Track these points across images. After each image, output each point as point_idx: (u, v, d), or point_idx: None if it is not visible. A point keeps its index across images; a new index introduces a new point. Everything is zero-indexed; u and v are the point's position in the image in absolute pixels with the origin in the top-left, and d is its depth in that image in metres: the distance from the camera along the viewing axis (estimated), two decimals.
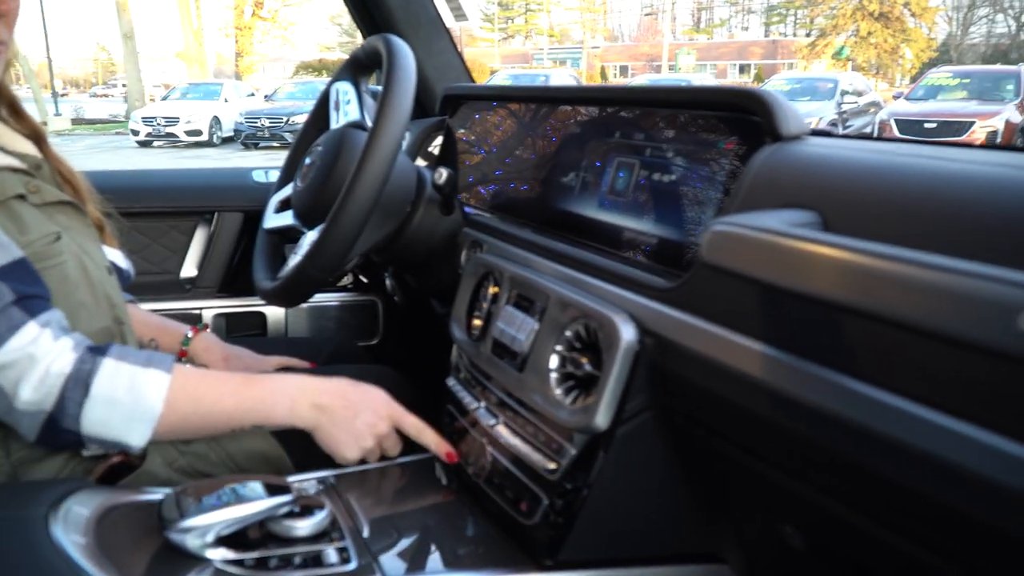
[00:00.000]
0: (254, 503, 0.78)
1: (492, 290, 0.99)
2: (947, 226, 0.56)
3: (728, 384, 0.67)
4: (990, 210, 0.54)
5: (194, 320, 1.54)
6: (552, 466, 0.81)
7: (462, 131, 1.38)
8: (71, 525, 0.73)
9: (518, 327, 0.89)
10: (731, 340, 0.67)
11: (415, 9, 1.51)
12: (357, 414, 0.94)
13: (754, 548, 0.79)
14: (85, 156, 13.01)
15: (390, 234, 1.19)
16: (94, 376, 0.83)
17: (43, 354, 0.81)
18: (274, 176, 1.45)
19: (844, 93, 13.02)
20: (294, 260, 1.11)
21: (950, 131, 9.53)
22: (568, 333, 0.83)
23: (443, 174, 1.13)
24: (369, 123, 1.01)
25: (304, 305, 1.69)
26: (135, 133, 14.98)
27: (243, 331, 1.64)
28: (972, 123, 9.64)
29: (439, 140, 1.46)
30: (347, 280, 1.75)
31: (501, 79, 17.14)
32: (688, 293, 0.73)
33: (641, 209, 0.89)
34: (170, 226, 1.62)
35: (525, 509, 0.84)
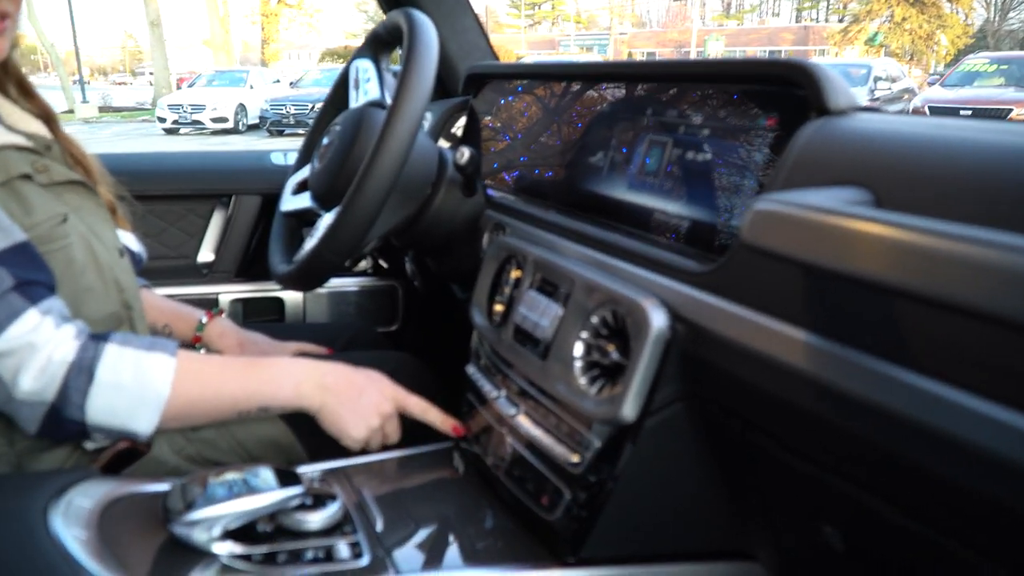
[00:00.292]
0: (263, 495, 0.74)
1: (515, 274, 0.95)
2: (1012, 202, 0.50)
3: (767, 374, 0.62)
4: None
5: (211, 305, 1.51)
6: (575, 459, 0.76)
7: (486, 112, 1.33)
8: (72, 518, 0.70)
9: (541, 312, 0.84)
10: (771, 327, 0.62)
11: None
12: (362, 394, 0.93)
13: (789, 547, 0.74)
14: (112, 143, 13.14)
15: (410, 216, 1.16)
16: (98, 363, 0.80)
17: (44, 342, 0.78)
18: (293, 158, 1.41)
19: (877, 79, 12.79)
20: (310, 243, 1.07)
21: (986, 119, 9.29)
22: (594, 319, 0.78)
23: (465, 154, 1.08)
24: (389, 102, 0.97)
25: (322, 290, 1.65)
26: (161, 120, 15.10)
27: (260, 317, 1.61)
28: (1009, 110, 9.40)
29: (462, 121, 1.41)
30: (366, 265, 1.71)
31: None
32: (725, 277, 0.68)
33: (673, 190, 0.84)
34: (187, 210, 1.59)
35: (546, 503, 0.79)
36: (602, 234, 0.87)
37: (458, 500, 0.89)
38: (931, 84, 12.24)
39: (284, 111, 14.21)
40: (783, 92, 0.75)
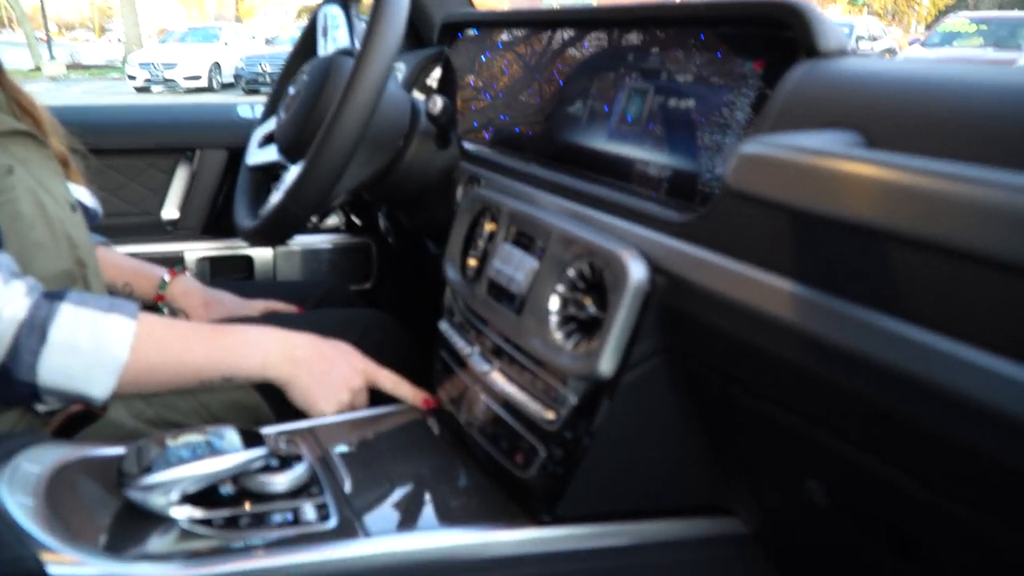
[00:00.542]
0: (224, 457, 0.71)
1: (489, 227, 0.91)
2: (1009, 141, 0.47)
3: (751, 326, 0.59)
4: None
5: (176, 264, 1.46)
6: (551, 415, 0.73)
7: (462, 69, 1.28)
8: (18, 484, 0.66)
9: (516, 266, 0.81)
10: (756, 278, 0.59)
11: None
12: (332, 367, 0.89)
13: (769, 502, 0.72)
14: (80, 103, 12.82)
15: (381, 169, 1.11)
16: (51, 322, 0.76)
17: None
18: (260, 111, 1.36)
19: (859, 39, 12.74)
20: (275, 197, 1.03)
21: None
22: (571, 272, 0.75)
23: (438, 103, 1.04)
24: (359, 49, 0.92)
25: (293, 248, 1.61)
26: (132, 78, 14.78)
27: (228, 275, 1.57)
28: None
29: (437, 73, 1.37)
30: (338, 221, 1.66)
31: None
32: (707, 226, 0.64)
33: (654, 139, 0.80)
34: (148, 164, 1.53)
35: (521, 461, 0.77)
36: (580, 185, 0.84)
37: (430, 459, 0.86)
38: (911, 44, 12.20)
39: (260, 69, 13.92)
40: (771, 34, 0.71)
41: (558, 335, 0.74)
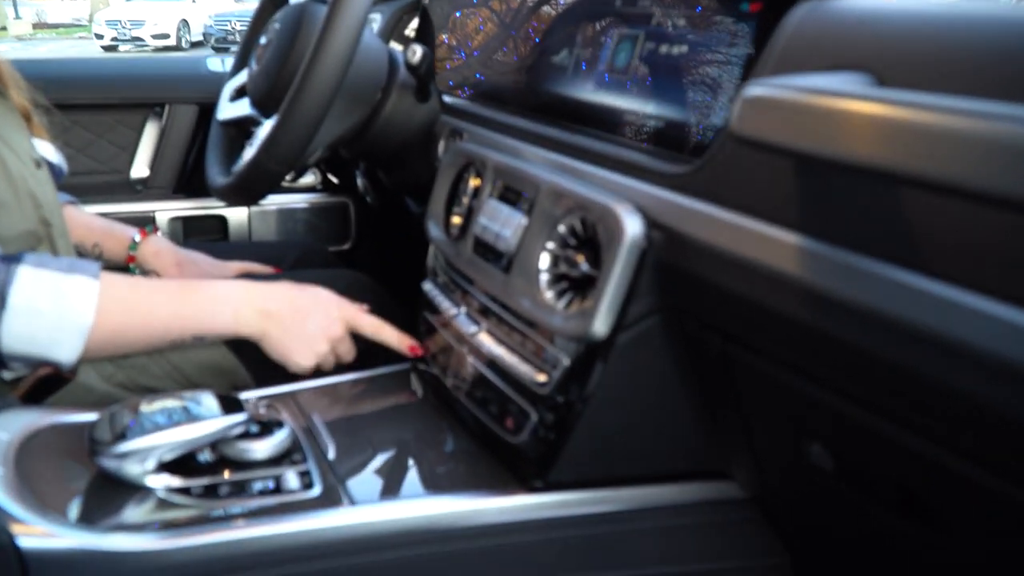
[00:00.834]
0: (201, 423, 0.68)
1: (473, 182, 0.87)
2: None
3: (753, 282, 0.56)
4: None
5: (147, 224, 1.42)
6: (542, 378, 0.71)
7: (440, 11, 1.23)
8: None
9: (503, 223, 0.77)
10: (757, 230, 0.56)
11: None
12: (308, 317, 0.85)
13: (770, 466, 0.70)
14: None
15: (359, 124, 1.07)
16: (10, 286, 0.72)
17: None
18: (230, 64, 1.30)
19: None
20: (249, 153, 0.99)
21: None
22: (561, 228, 0.71)
23: (417, 52, 0.99)
24: None
25: (269, 207, 1.56)
26: (99, 37, 14.43)
27: (202, 236, 1.52)
28: None
29: (414, 23, 1.32)
30: (315, 180, 1.62)
31: None
32: (706, 178, 0.61)
33: (646, 88, 0.77)
34: (116, 120, 1.47)
35: (511, 426, 0.74)
36: (569, 137, 0.80)
37: (416, 424, 0.83)
38: None
39: (229, 27, 13.60)
40: None
41: (549, 294, 0.71)
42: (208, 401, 0.70)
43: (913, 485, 0.55)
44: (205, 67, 1.53)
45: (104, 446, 0.65)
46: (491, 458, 0.77)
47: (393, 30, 1.30)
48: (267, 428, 0.73)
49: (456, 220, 0.89)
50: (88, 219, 1.14)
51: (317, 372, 0.87)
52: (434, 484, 0.74)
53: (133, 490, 0.66)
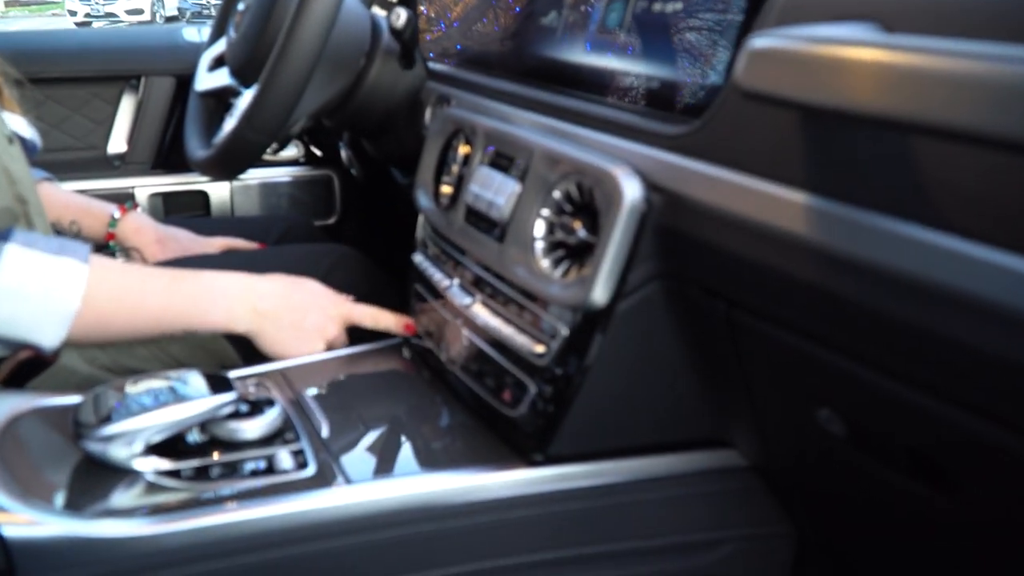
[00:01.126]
0: (190, 403, 0.66)
1: (463, 150, 0.85)
2: None
3: (759, 244, 0.54)
4: None
5: (126, 201, 1.38)
6: (540, 349, 0.69)
7: None
8: None
9: (496, 190, 0.75)
10: (764, 191, 0.54)
11: None
12: (304, 317, 0.83)
13: (776, 434, 0.69)
14: None
15: (342, 92, 1.04)
16: None
17: None
18: (207, 35, 1.26)
19: None
20: (230, 123, 0.95)
21: None
22: (556, 194, 0.69)
23: (401, 16, 0.96)
24: None
25: (251, 182, 1.53)
26: (72, 14, 14.19)
27: (183, 212, 1.49)
28: None
29: None
30: (298, 153, 1.58)
31: None
32: (707, 138, 0.59)
33: (639, 48, 0.74)
34: (91, 94, 1.43)
35: (509, 399, 0.72)
36: (561, 100, 0.78)
37: (411, 399, 0.81)
38: None
39: (205, 1, 13.39)
40: None
41: (545, 263, 0.69)
42: (195, 381, 0.68)
43: (926, 446, 0.54)
44: (181, 37, 1.48)
45: (89, 429, 0.63)
46: (488, 432, 0.75)
47: None
48: (257, 407, 0.71)
49: (446, 189, 0.86)
50: (65, 196, 1.11)
51: None
52: (432, 460, 0.72)
53: (121, 474, 0.64)
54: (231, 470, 0.66)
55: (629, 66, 0.74)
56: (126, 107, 1.45)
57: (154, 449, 0.65)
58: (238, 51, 1.00)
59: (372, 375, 0.86)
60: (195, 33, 1.49)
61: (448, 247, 0.86)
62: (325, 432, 0.73)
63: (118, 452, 0.64)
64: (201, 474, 0.65)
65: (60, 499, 0.61)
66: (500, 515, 0.70)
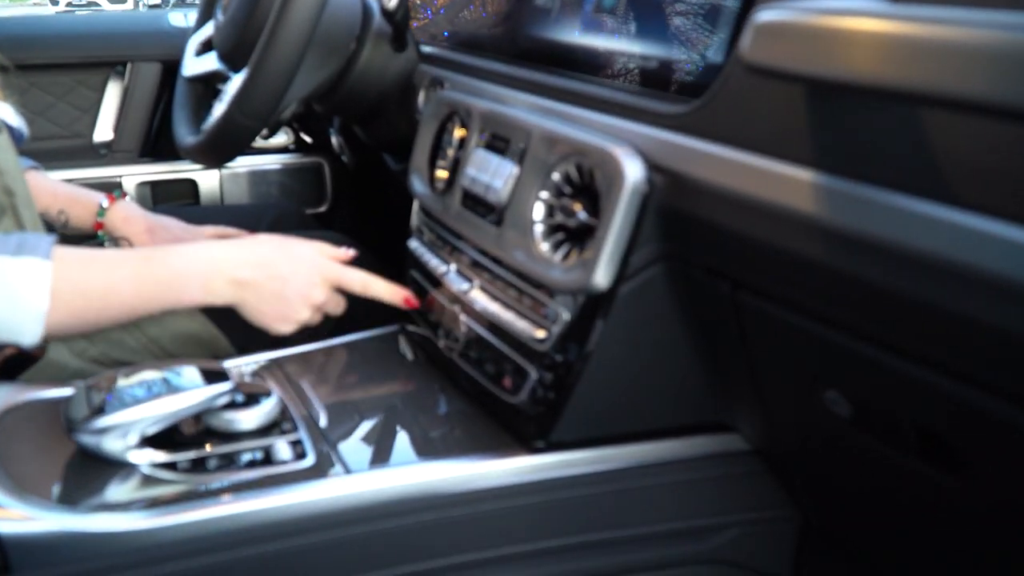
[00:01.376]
0: (185, 394, 0.64)
1: (458, 133, 0.83)
2: None
3: (764, 223, 0.53)
4: None
5: (113, 190, 1.36)
6: (541, 334, 0.68)
7: None
8: None
9: (493, 173, 0.73)
10: (768, 169, 0.53)
11: None
12: (286, 283, 0.79)
13: (780, 417, 0.68)
14: None
15: (332, 76, 1.02)
16: None
17: None
18: (194, 19, 1.24)
19: None
20: (219, 108, 0.94)
21: None
22: (555, 176, 0.68)
23: None
24: None
25: (240, 169, 1.51)
26: (54, 3, 13.99)
27: (172, 200, 1.47)
28: None
29: None
30: (288, 140, 1.56)
31: None
32: (708, 116, 0.58)
33: (636, 26, 0.73)
34: (77, 81, 1.40)
35: (510, 385, 0.71)
36: (558, 81, 0.76)
37: (409, 387, 0.80)
38: None
39: None
40: None
41: (545, 246, 0.68)
42: (189, 372, 0.67)
43: (936, 426, 0.53)
44: (167, 22, 1.46)
45: (80, 422, 0.62)
46: (489, 419, 0.74)
47: None
48: (254, 397, 0.70)
49: (441, 174, 0.85)
50: (52, 185, 1.08)
51: (304, 331, 0.83)
52: (432, 448, 0.71)
53: (115, 467, 0.63)
54: (228, 461, 0.65)
55: (626, 45, 0.73)
56: (112, 94, 1.43)
57: (149, 441, 0.64)
58: (226, 35, 0.98)
59: (369, 364, 0.85)
60: (181, 18, 1.47)
61: (444, 232, 0.85)
62: (323, 422, 0.72)
63: (112, 445, 0.62)
64: (198, 466, 0.64)
65: (55, 493, 0.60)
66: (502, 503, 0.69)
